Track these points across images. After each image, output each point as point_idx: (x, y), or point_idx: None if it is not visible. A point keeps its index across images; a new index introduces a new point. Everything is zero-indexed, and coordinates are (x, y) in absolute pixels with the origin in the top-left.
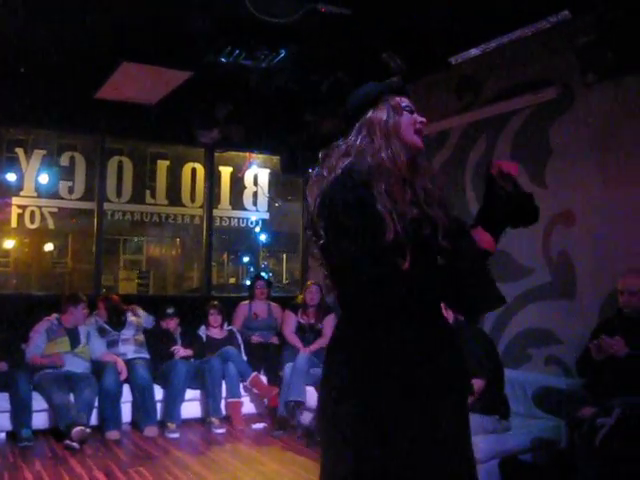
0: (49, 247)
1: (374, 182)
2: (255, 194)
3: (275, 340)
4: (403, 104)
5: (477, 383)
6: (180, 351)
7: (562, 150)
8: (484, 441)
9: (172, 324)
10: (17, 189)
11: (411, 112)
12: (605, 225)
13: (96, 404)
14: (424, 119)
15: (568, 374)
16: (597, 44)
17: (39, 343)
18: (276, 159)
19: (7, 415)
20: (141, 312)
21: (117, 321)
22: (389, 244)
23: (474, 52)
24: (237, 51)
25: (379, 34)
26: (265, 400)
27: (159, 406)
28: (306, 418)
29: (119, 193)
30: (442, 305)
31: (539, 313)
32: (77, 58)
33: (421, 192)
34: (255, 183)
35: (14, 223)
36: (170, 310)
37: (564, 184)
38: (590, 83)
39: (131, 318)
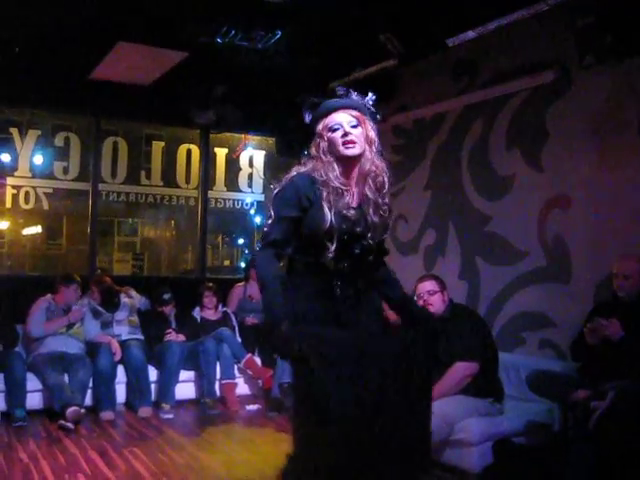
0: (43, 228)
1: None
2: (250, 176)
3: None
4: (330, 125)
5: (471, 366)
6: (173, 336)
7: (559, 133)
8: (478, 423)
9: (167, 308)
10: (12, 169)
11: (337, 129)
12: (601, 209)
13: (90, 385)
14: (347, 130)
15: (562, 357)
16: (596, 26)
17: (41, 318)
18: (272, 141)
19: (1, 395)
20: (134, 294)
21: (110, 303)
22: (316, 231)
23: (471, 34)
24: (233, 32)
25: (376, 16)
26: (259, 381)
27: (153, 387)
28: None
29: (114, 174)
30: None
31: (534, 296)
32: (72, 38)
33: (361, 196)
34: (250, 165)
35: (8, 203)
36: (167, 296)
37: (560, 168)
38: (588, 66)
39: (124, 299)
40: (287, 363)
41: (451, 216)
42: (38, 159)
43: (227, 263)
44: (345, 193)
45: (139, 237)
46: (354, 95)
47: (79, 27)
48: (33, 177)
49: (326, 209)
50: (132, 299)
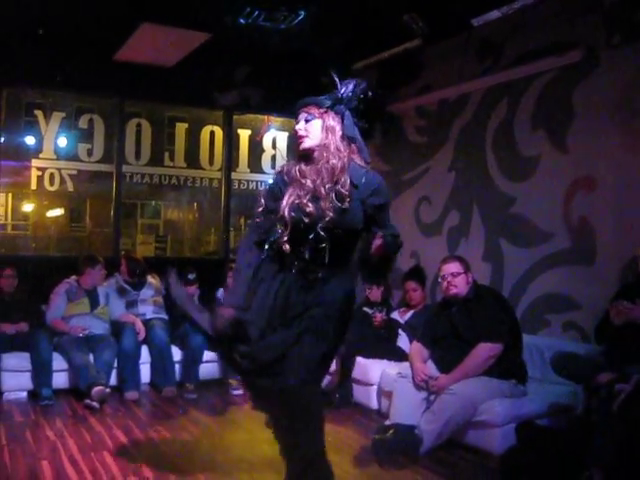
0: (68, 210)
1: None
2: (274, 157)
3: None
4: (297, 118)
5: (495, 348)
6: None
7: (585, 114)
8: (501, 405)
9: (192, 289)
10: (36, 151)
11: (295, 127)
12: (626, 190)
13: (115, 365)
14: (299, 127)
15: (586, 340)
16: (624, 4)
17: (60, 305)
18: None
19: (28, 375)
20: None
21: (138, 280)
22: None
23: (496, 14)
24: (256, 12)
25: None
26: None
27: (177, 367)
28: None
29: (138, 156)
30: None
31: (558, 278)
32: (96, 20)
33: (313, 188)
34: (274, 146)
35: (34, 185)
36: (191, 276)
37: (586, 149)
38: (616, 45)
39: (151, 280)
40: None
41: (475, 197)
42: (62, 141)
43: None
44: (304, 184)
45: (162, 219)
46: (339, 85)
47: (103, 9)
48: (57, 159)
49: (285, 198)
50: (157, 281)
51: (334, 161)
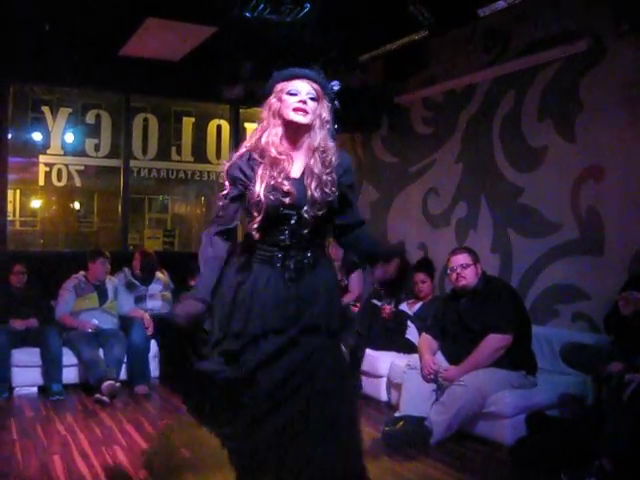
0: (76, 205)
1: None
2: None
3: None
4: (288, 89)
5: (504, 339)
6: None
7: (592, 104)
8: (511, 396)
9: None
10: (44, 147)
11: (294, 94)
12: (635, 180)
13: (125, 359)
14: (303, 98)
15: (596, 330)
16: None
17: (68, 300)
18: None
19: (38, 370)
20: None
21: (148, 275)
22: (251, 203)
23: (502, 4)
24: (262, 5)
25: None
26: None
27: None
28: None
29: (145, 150)
30: None
31: (567, 269)
32: (101, 15)
33: (304, 169)
34: None
35: (41, 181)
36: None
37: (594, 139)
38: (623, 33)
39: (159, 275)
40: None
41: (483, 189)
42: (69, 137)
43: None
44: (284, 162)
45: (170, 213)
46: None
47: (108, 4)
48: (65, 155)
49: (258, 181)
50: (166, 276)
51: (330, 157)
